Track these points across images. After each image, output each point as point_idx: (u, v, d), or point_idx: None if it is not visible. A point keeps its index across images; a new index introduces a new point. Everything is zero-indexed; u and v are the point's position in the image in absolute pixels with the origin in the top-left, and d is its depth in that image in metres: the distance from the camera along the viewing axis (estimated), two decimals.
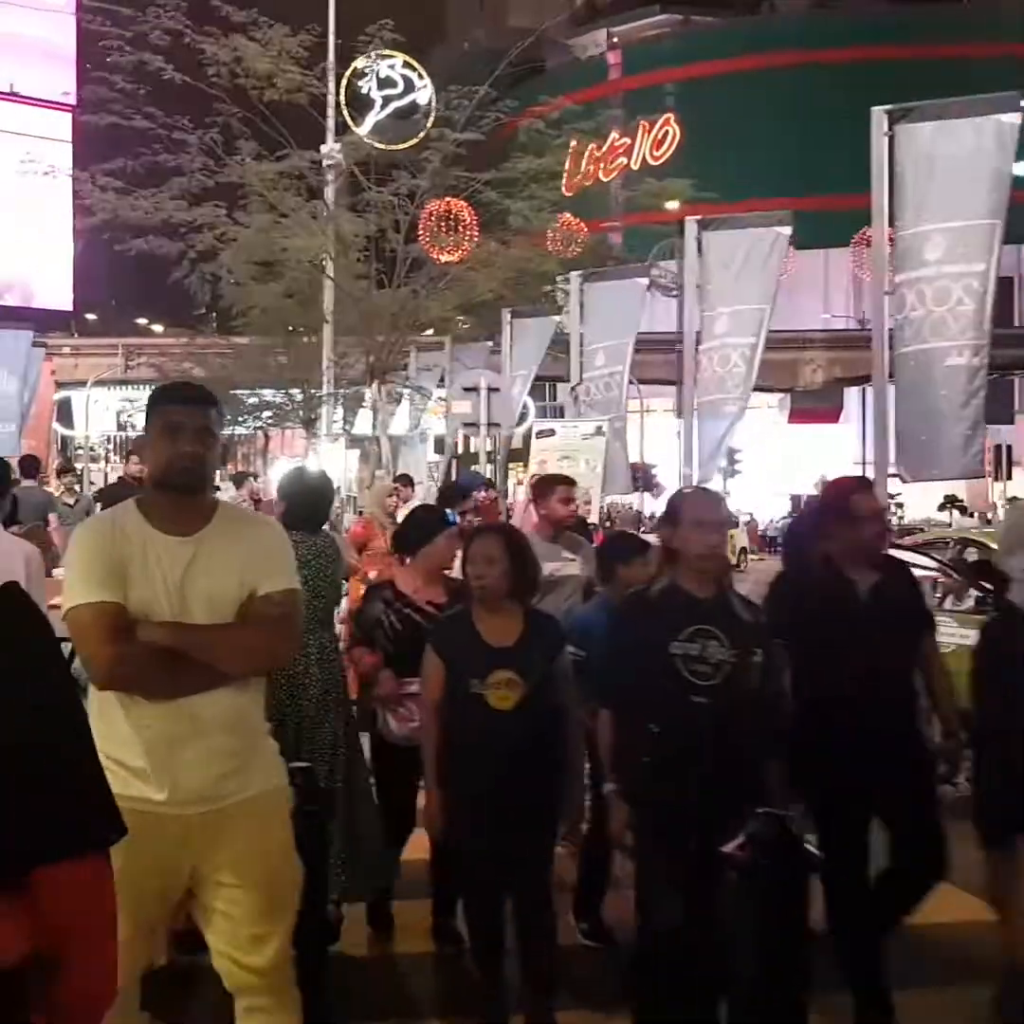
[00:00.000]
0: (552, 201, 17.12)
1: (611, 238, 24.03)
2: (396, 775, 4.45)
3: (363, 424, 21.42)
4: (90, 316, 48.49)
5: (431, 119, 16.07)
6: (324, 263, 15.23)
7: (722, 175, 29.43)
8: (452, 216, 15.70)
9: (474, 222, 15.75)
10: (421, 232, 15.74)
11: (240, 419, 28.88)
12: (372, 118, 16.00)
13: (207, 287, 16.95)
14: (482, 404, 10.98)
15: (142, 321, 45.67)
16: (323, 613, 4.43)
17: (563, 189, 16.59)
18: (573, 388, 10.45)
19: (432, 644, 3.76)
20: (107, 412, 43.26)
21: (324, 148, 15.20)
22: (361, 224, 14.86)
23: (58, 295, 49.52)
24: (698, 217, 9.00)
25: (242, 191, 14.07)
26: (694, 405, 8.77)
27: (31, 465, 13.67)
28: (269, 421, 28.26)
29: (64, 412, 40.82)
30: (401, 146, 15.99)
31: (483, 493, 10.10)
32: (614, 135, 47.36)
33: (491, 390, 11.02)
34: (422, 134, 16.01)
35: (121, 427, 43.47)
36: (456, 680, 3.61)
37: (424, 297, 15.44)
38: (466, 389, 11.25)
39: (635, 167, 48.80)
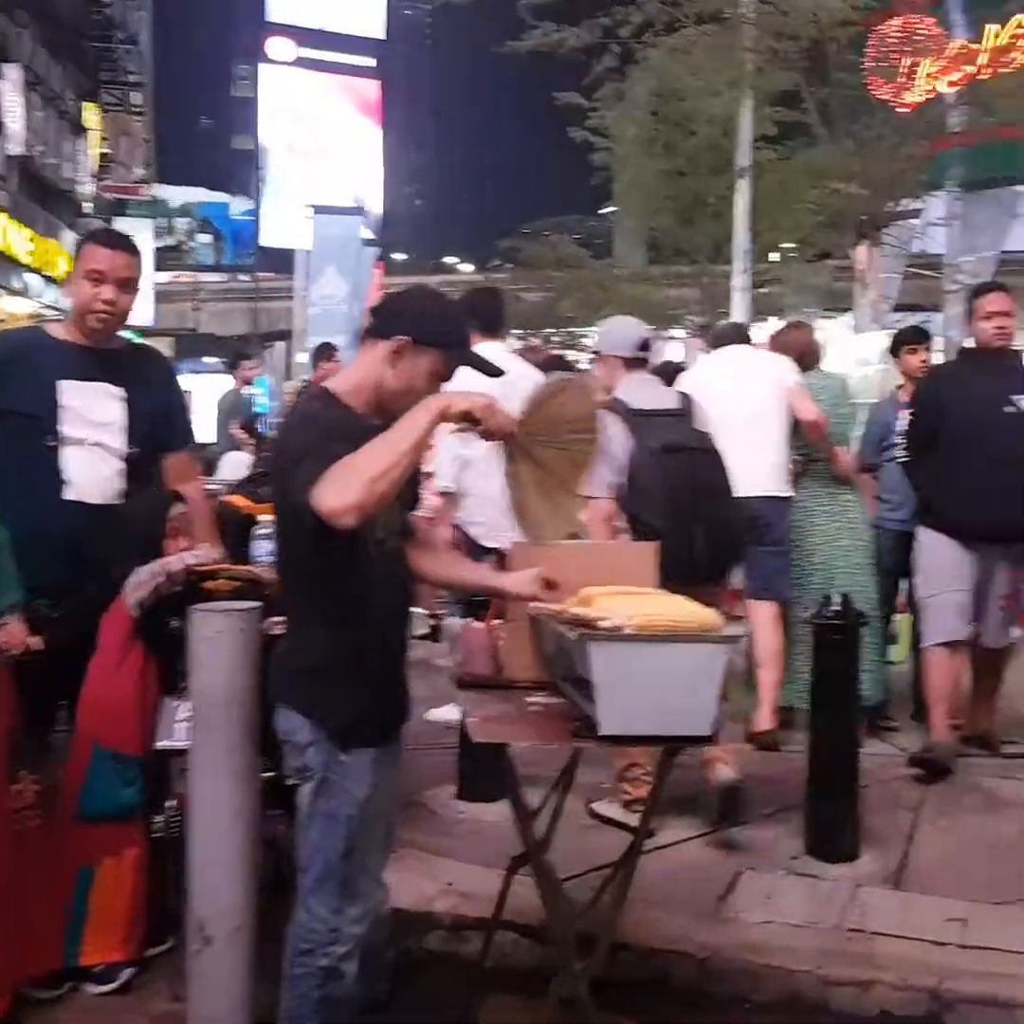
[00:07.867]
0: None
1: None
2: None
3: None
4: (398, 256, 47.05)
5: None
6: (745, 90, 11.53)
7: None
8: (911, 41, 11.68)
9: (945, 48, 11.67)
10: (869, 59, 11.77)
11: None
12: None
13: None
14: None
15: (450, 260, 43.72)
16: None
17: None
18: None
19: None
20: None
21: None
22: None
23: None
24: None
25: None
26: None
27: None
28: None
29: None
30: None
31: None
32: (955, 41, 41.51)
33: None
34: None
35: None
36: None
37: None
38: None
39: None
